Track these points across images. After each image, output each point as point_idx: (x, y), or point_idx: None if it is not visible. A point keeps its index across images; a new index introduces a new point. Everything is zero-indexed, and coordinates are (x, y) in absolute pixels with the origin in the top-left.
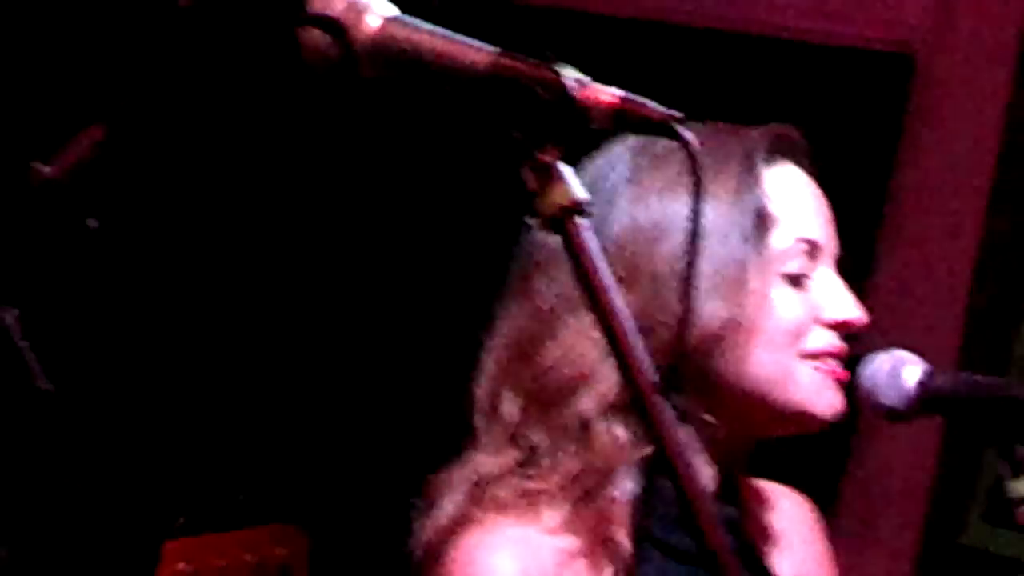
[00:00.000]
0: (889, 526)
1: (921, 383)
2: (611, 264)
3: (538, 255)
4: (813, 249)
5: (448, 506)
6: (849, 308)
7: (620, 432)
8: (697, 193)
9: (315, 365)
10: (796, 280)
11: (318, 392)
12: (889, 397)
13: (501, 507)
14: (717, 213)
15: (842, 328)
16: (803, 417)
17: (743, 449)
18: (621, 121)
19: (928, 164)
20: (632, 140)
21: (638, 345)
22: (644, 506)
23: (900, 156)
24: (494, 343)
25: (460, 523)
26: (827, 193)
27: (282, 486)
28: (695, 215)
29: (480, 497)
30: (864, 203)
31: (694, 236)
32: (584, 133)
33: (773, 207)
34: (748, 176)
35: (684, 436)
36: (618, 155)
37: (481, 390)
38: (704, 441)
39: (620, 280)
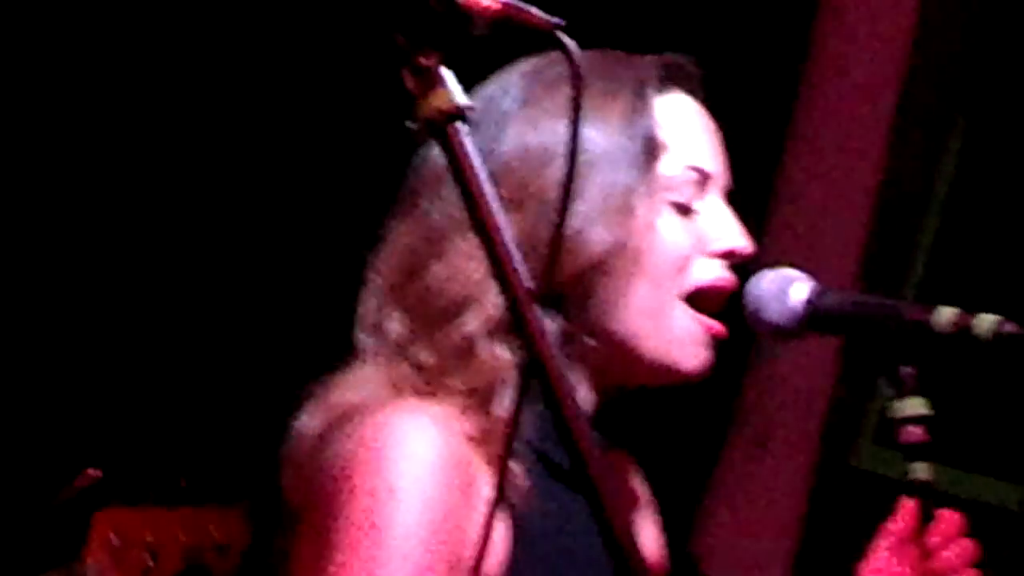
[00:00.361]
0: (785, 443)
1: (808, 301)
2: (500, 186)
3: (427, 174)
4: (702, 178)
5: (339, 398)
6: (736, 237)
7: (504, 352)
8: (577, 103)
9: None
10: (684, 209)
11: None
12: (775, 314)
13: (401, 390)
14: (606, 138)
15: (729, 257)
16: (668, 369)
17: (627, 383)
18: (503, 26)
19: (834, 83)
20: (525, 66)
21: (514, 253)
22: (533, 425)
23: (805, 74)
24: (381, 262)
25: (367, 405)
26: (729, 122)
27: (228, 468)
28: (574, 128)
29: (368, 389)
30: (767, 133)
31: (572, 152)
32: (468, 40)
33: (663, 134)
34: (639, 102)
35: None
36: (511, 80)
37: (367, 309)
38: (586, 366)
39: (510, 201)
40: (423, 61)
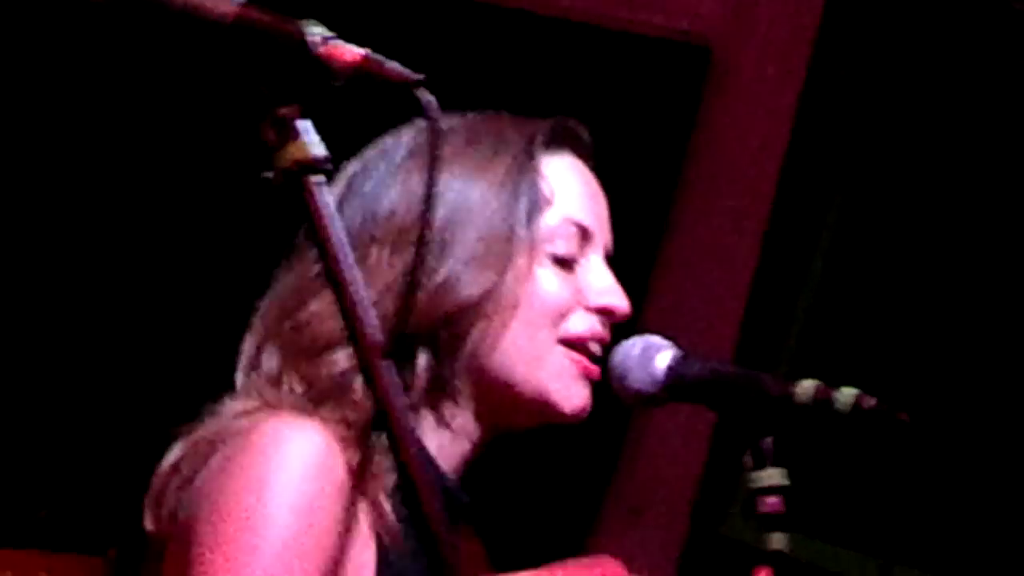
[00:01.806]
0: (658, 514)
1: (670, 367)
2: (384, 231)
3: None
4: (583, 233)
5: (200, 430)
6: (613, 295)
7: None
8: (434, 157)
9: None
10: (564, 262)
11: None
12: (638, 381)
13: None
14: (489, 188)
15: (605, 314)
16: (546, 406)
17: (507, 425)
18: (362, 79)
19: (718, 157)
20: (421, 120)
21: (366, 304)
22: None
23: (691, 147)
24: (264, 304)
25: (239, 424)
26: (617, 181)
27: (93, 515)
28: (430, 180)
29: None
30: (653, 194)
31: (427, 203)
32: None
33: (547, 189)
34: (526, 158)
35: (405, 402)
36: (405, 132)
37: (247, 349)
38: (461, 408)
39: (392, 245)
40: (281, 112)
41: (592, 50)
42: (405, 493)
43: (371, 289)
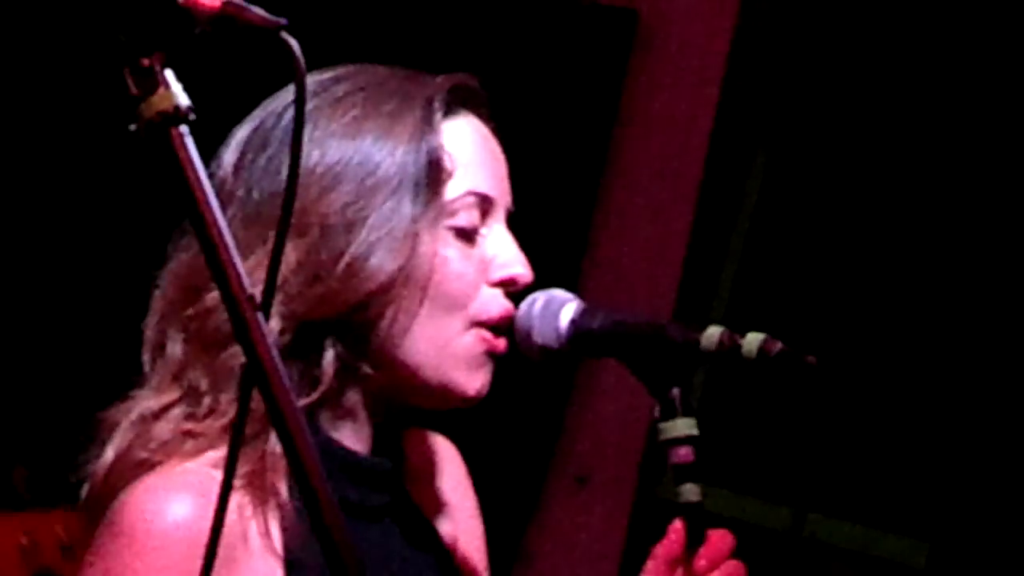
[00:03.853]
0: (605, 479)
1: (573, 321)
2: (333, 178)
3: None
4: (484, 203)
5: (112, 447)
6: (516, 266)
7: None
8: (300, 107)
9: None
10: (465, 234)
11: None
12: (543, 336)
13: (167, 447)
14: (392, 161)
15: (509, 285)
16: (448, 392)
17: (409, 406)
18: (224, 25)
19: (648, 118)
20: (311, 83)
21: (236, 258)
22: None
23: (622, 109)
24: (164, 282)
25: (128, 466)
26: (549, 145)
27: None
28: (296, 135)
29: (145, 437)
30: (585, 158)
31: (294, 160)
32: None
33: (448, 160)
34: (427, 125)
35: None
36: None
37: (150, 329)
38: (364, 392)
39: (293, 226)
40: (146, 61)
41: (521, 14)
42: (296, 476)
43: (291, 262)
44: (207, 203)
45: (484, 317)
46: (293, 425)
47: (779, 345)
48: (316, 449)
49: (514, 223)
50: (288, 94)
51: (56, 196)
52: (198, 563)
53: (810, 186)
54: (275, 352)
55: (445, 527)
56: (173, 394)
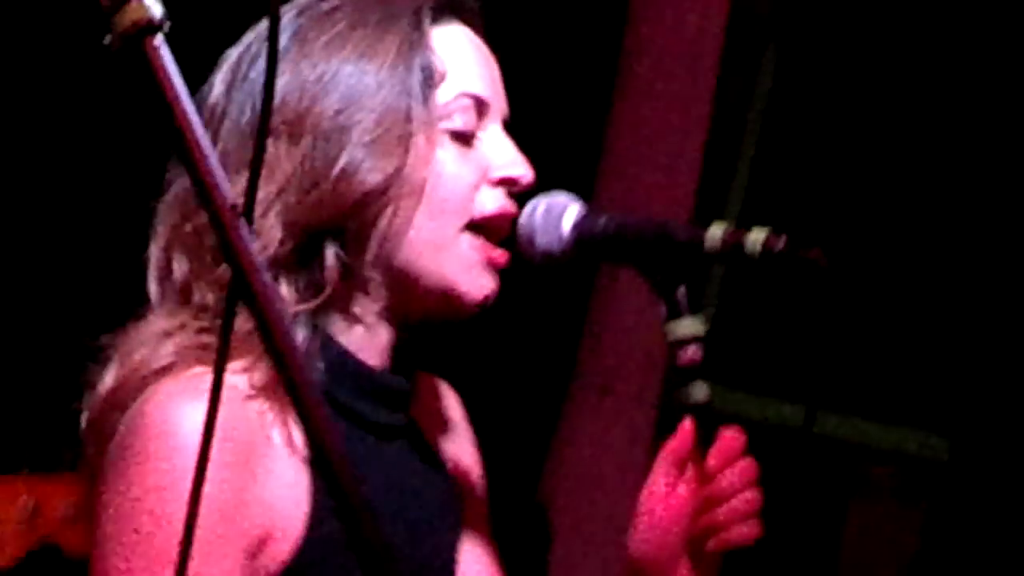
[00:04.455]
0: (627, 391)
1: (575, 225)
2: (276, 120)
3: (206, 112)
4: (479, 105)
5: (122, 364)
6: (516, 165)
7: (287, 291)
8: (274, 14)
9: None
10: (463, 137)
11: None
12: (545, 241)
13: (183, 355)
14: (381, 69)
15: (510, 185)
16: (451, 298)
17: (416, 324)
18: None
19: (660, 27)
20: (300, 2)
21: (214, 166)
22: (327, 373)
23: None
24: (164, 207)
25: (140, 377)
26: (564, 46)
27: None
28: (271, 48)
29: (158, 352)
30: (601, 58)
31: (269, 79)
32: None
33: (439, 64)
34: (415, 33)
35: (266, 271)
36: (285, 14)
37: (154, 255)
38: (371, 300)
39: (288, 136)
40: None
41: None
42: (277, 366)
43: (270, 185)
44: (185, 113)
45: (481, 215)
46: (278, 334)
47: (782, 240)
48: (325, 359)
49: (528, 129)
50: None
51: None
52: (223, 466)
53: (822, 81)
54: (261, 261)
55: (450, 465)
56: (184, 314)
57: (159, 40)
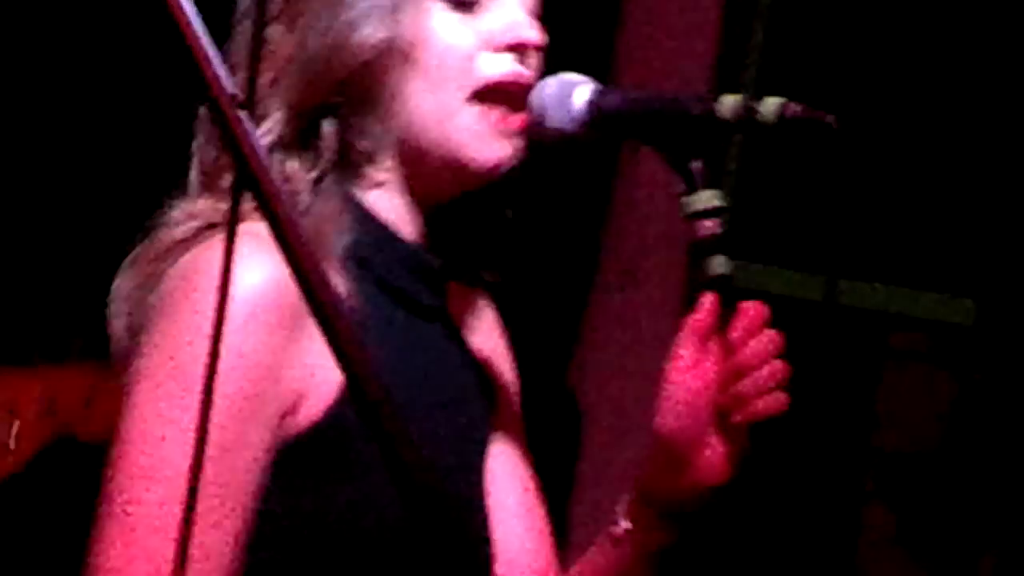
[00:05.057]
0: (654, 272)
1: (590, 102)
2: (275, 6)
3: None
4: None
5: (155, 238)
6: (523, 28)
7: (294, 165)
8: None
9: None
10: (465, 4)
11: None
12: (557, 120)
13: (214, 226)
14: None
15: (519, 50)
16: (459, 168)
17: (442, 201)
18: None
19: None
20: None
21: (214, 58)
22: (363, 243)
23: None
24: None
25: (177, 242)
26: None
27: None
28: None
29: (207, 213)
30: None
31: None
32: None
33: None
34: None
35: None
36: None
37: (198, 150)
38: (393, 170)
39: (286, 19)
40: None
41: None
42: (286, 257)
43: (270, 71)
44: (179, 5)
45: (486, 81)
46: (283, 217)
47: (797, 107)
48: (365, 231)
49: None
50: None
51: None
52: (271, 325)
53: None
54: (262, 148)
55: (484, 359)
56: (211, 198)
57: None
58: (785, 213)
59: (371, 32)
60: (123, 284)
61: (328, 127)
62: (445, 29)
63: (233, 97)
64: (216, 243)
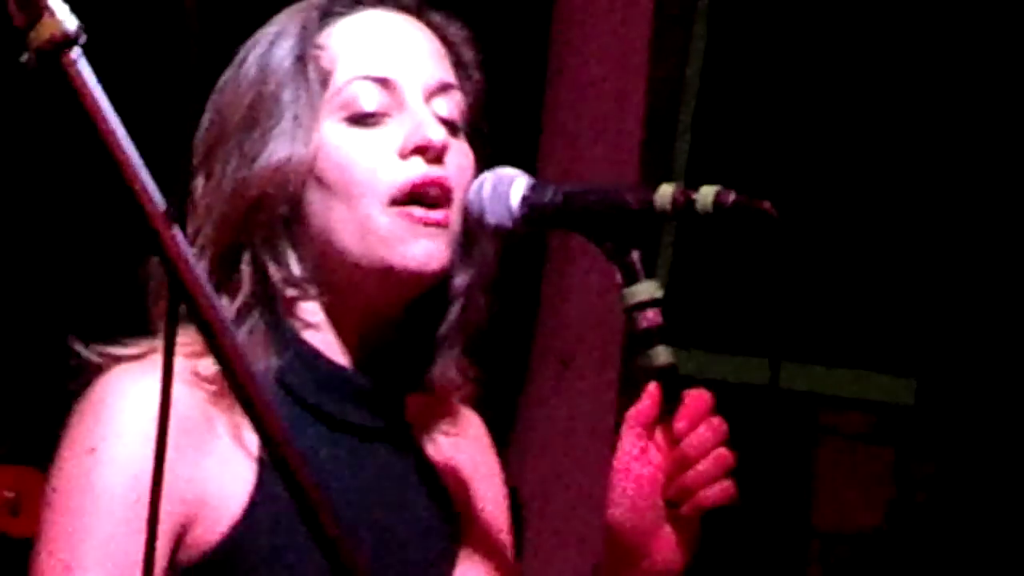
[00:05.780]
0: (588, 359)
1: (525, 197)
2: (198, 156)
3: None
4: (384, 84)
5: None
6: (421, 129)
7: (244, 281)
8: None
9: None
10: (363, 119)
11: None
12: (495, 216)
13: (147, 343)
14: (279, 55)
15: (424, 152)
16: (389, 273)
17: (379, 318)
18: None
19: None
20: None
21: (143, 176)
22: (288, 368)
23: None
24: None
25: (108, 362)
26: (490, 23)
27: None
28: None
29: (128, 345)
30: (530, 34)
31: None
32: None
33: (327, 59)
34: (302, 34)
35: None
36: (280, 22)
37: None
38: (318, 306)
39: (205, 170)
40: None
41: None
42: (224, 371)
43: (196, 218)
44: (107, 124)
45: (399, 187)
46: (217, 329)
47: (733, 195)
48: (287, 354)
49: None
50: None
51: None
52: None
53: (759, 34)
54: (194, 262)
55: (451, 476)
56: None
57: (76, 53)
58: (721, 298)
59: (271, 157)
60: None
61: (244, 263)
62: (343, 146)
63: (164, 214)
64: (121, 367)
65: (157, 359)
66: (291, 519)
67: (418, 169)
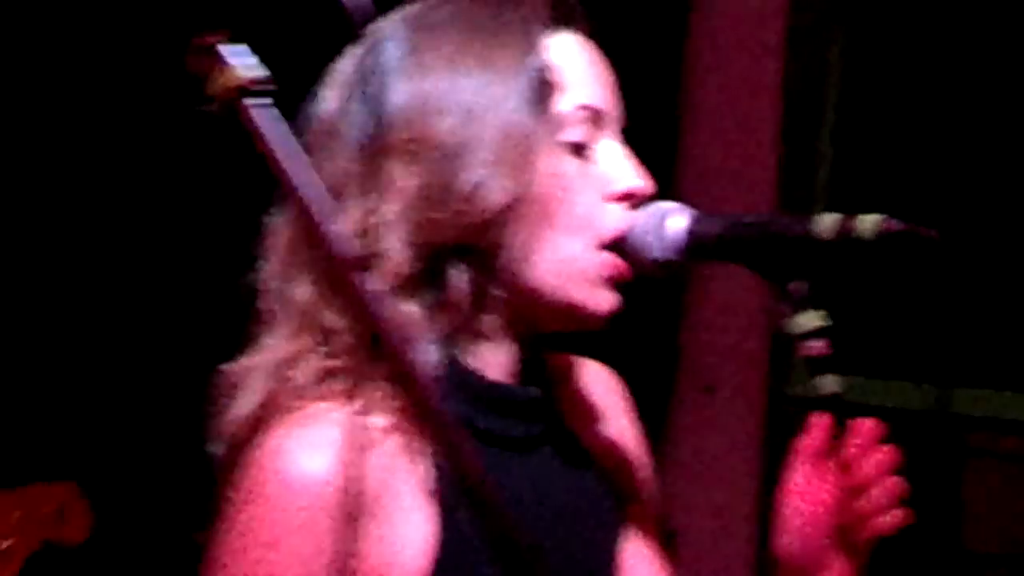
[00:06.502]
0: (731, 385)
1: (689, 231)
2: (395, 138)
3: (316, 128)
4: (596, 116)
5: (249, 395)
6: (633, 177)
7: (412, 308)
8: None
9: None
10: (580, 150)
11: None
12: (658, 250)
13: (309, 390)
14: (496, 84)
15: (629, 199)
16: (576, 314)
17: (541, 330)
18: None
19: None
20: (407, 12)
21: (329, 220)
22: (455, 390)
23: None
24: (279, 226)
25: (265, 412)
26: (623, 54)
27: (54, 442)
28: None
29: (284, 382)
30: (664, 60)
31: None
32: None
33: (553, 75)
34: (527, 44)
35: (404, 314)
36: (393, 30)
37: (270, 276)
38: (499, 316)
39: (406, 154)
40: (205, 40)
41: None
42: (414, 403)
43: (392, 204)
44: (289, 170)
45: (609, 235)
46: (417, 379)
47: (897, 223)
48: (452, 381)
49: None
50: (386, 25)
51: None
52: (334, 518)
53: (894, 58)
54: (383, 308)
55: (603, 451)
56: (307, 338)
57: (258, 101)
58: (881, 325)
59: (506, 180)
60: (223, 430)
61: (460, 274)
62: (571, 176)
63: (350, 260)
64: (284, 430)
65: (317, 413)
66: (481, 553)
67: (626, 217)
